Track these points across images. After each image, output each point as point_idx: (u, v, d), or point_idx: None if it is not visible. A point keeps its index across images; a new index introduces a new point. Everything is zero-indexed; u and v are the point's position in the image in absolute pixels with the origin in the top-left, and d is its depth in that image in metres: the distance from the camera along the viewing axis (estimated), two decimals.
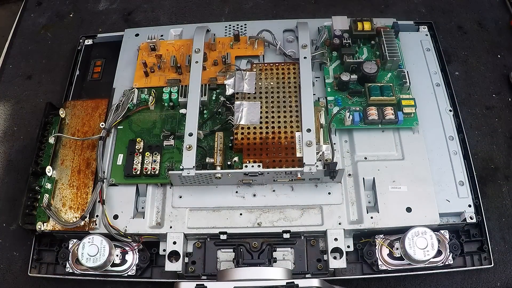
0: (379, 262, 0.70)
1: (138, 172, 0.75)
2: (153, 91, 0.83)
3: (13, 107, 0.97)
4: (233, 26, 0.93)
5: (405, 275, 0.73)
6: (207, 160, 0.75)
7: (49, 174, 0.76)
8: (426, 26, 0.93)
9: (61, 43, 1.06)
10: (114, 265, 0.70)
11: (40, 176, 0.77)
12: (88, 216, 0.72)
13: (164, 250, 0.71)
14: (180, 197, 0.75)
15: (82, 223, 0.72)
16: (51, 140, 0.80)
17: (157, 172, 0.75)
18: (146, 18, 1.09)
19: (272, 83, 0.81)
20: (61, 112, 0.83)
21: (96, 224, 0.72)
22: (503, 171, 0.84)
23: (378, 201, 0.72)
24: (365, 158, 0.77)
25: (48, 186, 0.76)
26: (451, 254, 0.70)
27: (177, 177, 0.72)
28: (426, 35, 0.92)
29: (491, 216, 0.79)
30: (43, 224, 0.73)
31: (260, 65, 0.83)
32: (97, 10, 1.11)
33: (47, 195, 0.75)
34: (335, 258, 0.69)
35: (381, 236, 0.71)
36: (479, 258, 0.73)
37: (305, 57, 0.81)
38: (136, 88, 0.84)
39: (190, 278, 0.70)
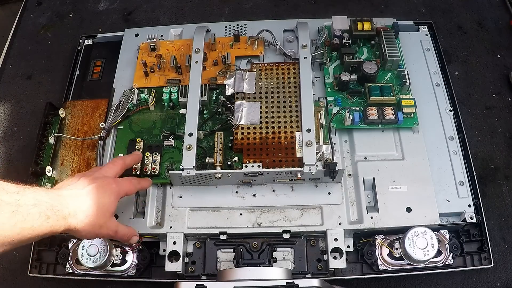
0: (379, 262, 0.70)
1: (138, 172, 0.75)
2: (153, 91, 0.83)
3: (13, 107, 0.97)
4: (233, 26, 0.93)
5: (405, 275, 0.72)
6: (207, 160, 0.75)
7: (49, 174, 0.76)
8: (426, 26, 0.93)
9: (61, 43, 1.06)
10: (114, 265, 0.70)
11: (40, 176, 0.77)
12: None
13: (164, 250, 0.71)
14: (180, 197, 0.75)
15: None
16: (51, 140, 0.80)
17: (157, 172, 0.75)
18: (146, 18, 1.09)
19: (272, 83, 0.81)
20: (61, 112, 0.83)
21: None
22: (503, 171, 0.84)
23: (378, 201, 0.72)
24: (365, 158, 0.77)
25: (48, 186, 0.76)
26: (451, 254, 0.70)
27: (177, 177, 0.72)
28: (426, 35, 0.92)
29: (491, 216, 0.79)
30: None
31: (260, 65, 0.83)
32: (97, 10, 1.11)
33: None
34: (335, 258, 0.69)
35: (381, 236, 0.71)
36: (479, 258, 0.73)
37: (305, 57, 0.81)
38: (136, 88, 0.84)
39: (190, 278, 0.70)
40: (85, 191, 0.58)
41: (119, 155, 0.77)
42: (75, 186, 0.58)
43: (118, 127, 0.81)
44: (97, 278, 0.72)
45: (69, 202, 0.55)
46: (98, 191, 0.58)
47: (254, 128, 0.76)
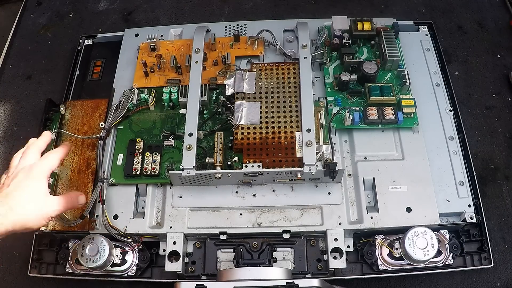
0: (379, 262, 0.70)
1: (138, 172, 0.75)
2: (153, 91, 0.83)
3: (13, 107, 0.97)
4: (233, 26, 0.93)
5: (405, 275, 0.73)
6: (207, 160, 0.75)
7: None
8: (426, 26, 0.93)
9: (61, 43, 1.06)
10: (114, 265, 0.70)
11: None
12: (88, 215, 0.72)
13: (164, 250, 0.71)
14: (180, 197, 0.75)
15: (81, 221, 0.72)
16: (52, 135, 0.80)
17: (157, 172, 0.75)
18: (146, 18, 1.09)
19: (272, 83, 0.81)
20: (61, 108, 0.83)
21: (96, 224, 0.72)
22: (503, 171, 0.84)
23: (378, 201, 0.72)
24: (365, 158, 0.77)
25: (50, 180, 0.76)
26: (451, 254, 0.70)
27: (177, 177, 0.72)
28: (426, 35, 0.92)
29: (491, 216, 0.79)
30: None
31: (260, 65, 0.83)
32: (97, 10, 1.12)
33: (50, 190, 0.75)
34: (335, 258, 0.69)
35: (381, 236, 0.71)
36: (479, 258, 0.73)
37: (305, 57, 0.81)
38: (136, 88, 0.84)
39: (190, 278, 0.70)
40: (8, 191, 0.58)
41: (119, 155, 0.77)
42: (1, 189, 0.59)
43: (118, 127, 0.81)
44: (97, 278, 0.72)
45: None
46: (21, 183, 0.59)
47: (254, 128, 0.76)
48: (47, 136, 0.68)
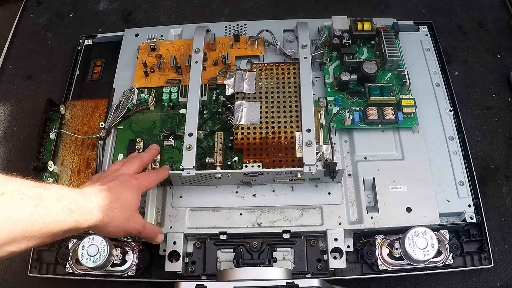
0: (379, 262, 0.70)
1: None
2: (153, 91, 0.83)
3: (13, 107, 0.97)
4: (233, 26, 0.93)
5: (405, 275, 0.72)
6: (207, 160, 0.75)
7: (50, 169, 0.77)
8: (426, 26, 0.93)
9: (61, 43, 1.06)
10: (114, 265, 0.70)
11: (42, 171, 0.78)
12: None
13: (164, 250, 0.71)
14: (180, 197, 0.75)
15: None
16: (52, 136, 0.80)
17: None
18: (146, 18, 1.09)
19: (272, 83, 0.81)
20: (61, 108, 0.83)
21: None
22: (503, 171, 0.84)
23: (378, 201, 0.72)
24: (365, 158, 0.77)
25: (50, 181, 0.76)
26: (451, 254, 0.70)
27: (177, 177, 0.72)
28: (426, 35, 0.92)
29: (491, 216, 0.79)
30: None
31: (260, 65, 0.83)
32: (97, 10, 1.11)
33: None
34: (335, 258, 0.69)
35: (381, 236, 0.71)
36: (479, 258, 0.73)
37: (305, 57, 0.81)
38: (136, 88, 0.84)
39: (190, 278, 0.70)
40: (106, 187, 0.58)
41: (119, 155, 0.77)
42: (96, 184, 0.59)
43: (118, 127, 0.81)
44: (97, 278, 0.72)
45: (93, 197, 0.54)
46: (119, 187, 0.59)
47: (254, 128, 0.76)
48: (154, 151, 0.71)
